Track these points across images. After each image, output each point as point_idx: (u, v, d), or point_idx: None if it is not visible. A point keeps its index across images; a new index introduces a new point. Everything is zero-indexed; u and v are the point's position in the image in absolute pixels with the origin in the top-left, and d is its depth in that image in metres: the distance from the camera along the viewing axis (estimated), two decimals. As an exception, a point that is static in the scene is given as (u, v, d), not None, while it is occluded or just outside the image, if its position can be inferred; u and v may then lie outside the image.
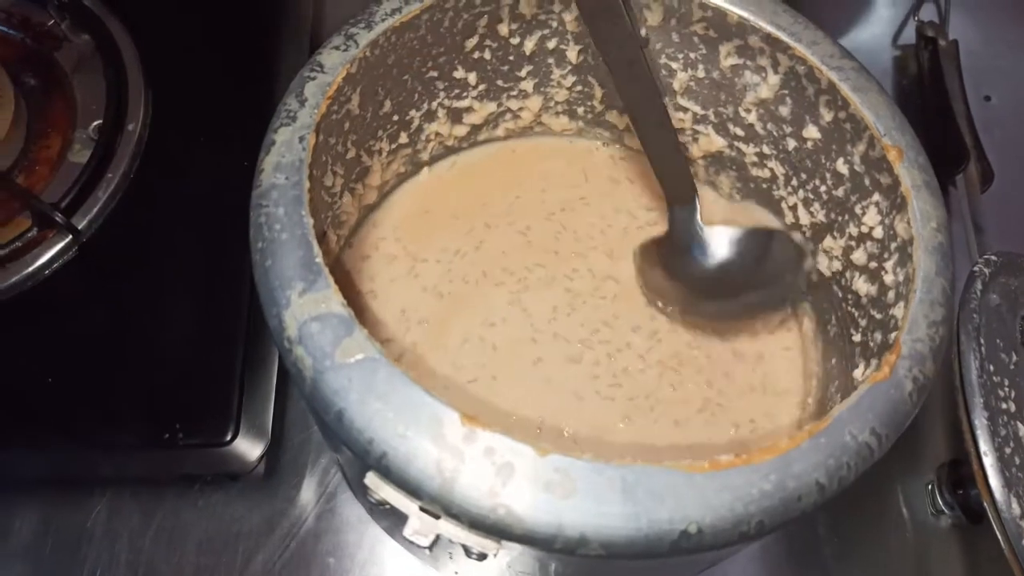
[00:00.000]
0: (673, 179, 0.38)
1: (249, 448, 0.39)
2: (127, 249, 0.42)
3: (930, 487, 0.44)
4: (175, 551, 0.40)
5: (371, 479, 0.26)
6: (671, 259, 0.40)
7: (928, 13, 0.57)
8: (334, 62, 0.32)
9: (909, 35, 0.57)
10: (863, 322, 0.36)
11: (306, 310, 0.26)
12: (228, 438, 0.38)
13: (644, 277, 0.40)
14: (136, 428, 0.38)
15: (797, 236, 0.40)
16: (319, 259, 0.27)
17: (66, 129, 0.44)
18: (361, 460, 0.25)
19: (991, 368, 0.37)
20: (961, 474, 0.43)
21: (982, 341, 0.38)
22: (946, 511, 0.44)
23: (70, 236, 0.40)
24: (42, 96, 0.45)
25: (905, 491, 0.44)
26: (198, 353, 0.40)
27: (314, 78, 0.32)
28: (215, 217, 0.42)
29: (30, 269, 0.40)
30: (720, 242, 0.39)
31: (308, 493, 0.41)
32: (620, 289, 0.41)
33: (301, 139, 0.30)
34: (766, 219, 0.43)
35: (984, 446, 0.36)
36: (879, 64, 0.57)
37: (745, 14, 0.35)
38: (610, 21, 0.32)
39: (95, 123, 0.44)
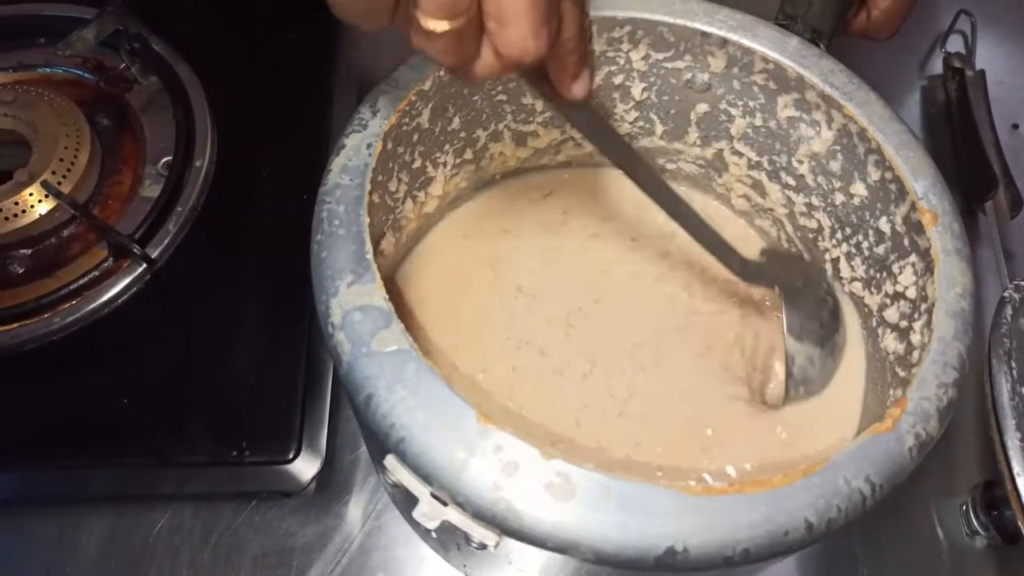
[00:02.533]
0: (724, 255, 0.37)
1: (306, 467, 0.41)
2: (196, 277, 0.45)
3: (964, 508, 0.44)
4: (232, 566, 0.42)
5: (390, 461, 0.28)
6: None
7: (955, 44, 0.59)
8: (408, 79, 0.35)
9: (936, 65, 0.59)
10: (888, 378, 0.37)
11: (351, 300, 0.29)
12: (291, 456, 0.40)
13: None
14: (206, 446, 0.40)
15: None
16: (369, 255, 0.30)
17: (136, 166, 0.47)
18: (382, 442, 0.28)
19: (1023, 391, 0.38)
20: (995, 495, 0.42)
21: (1013, 364, 0.39)
22: (981, 532, 0.43)
23: (144, 265, 0.43)
24: (115, 135, 0.48)
25: (939, 511, 0.43)
26: (262, 375, 0.42)
27: (388, 92, 0.35)
28: (276, 246, 0.45)
29: (106, 297, 0.42)
30: None
31: (357, 511, 0.43)
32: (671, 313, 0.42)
33: (369, 146, 0.33)
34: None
35: (1017, 467, 0.36)
36: (907, 94, 0.58)
37: (802, 71, 0.37)
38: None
39: (164, 160, 0.47)
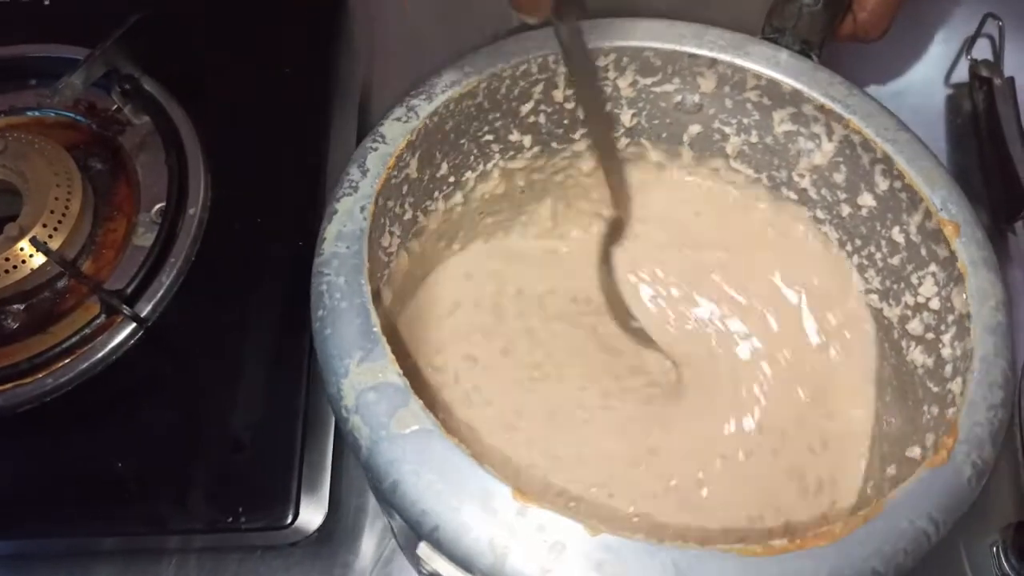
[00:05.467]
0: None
1: (308, 522, 0.40)
2: (189, 333, 0.43)
3: (995, 549, 0.42)
4: (238, 615, 0.40)
5: (423, 550, 0.26)
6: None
7: (982, 50, 0.54)
8: (395, 133, 0.33)
9: (962, 73, 0.55)
10: (920, 394, 0.35)
11: (364, 379, 0.27)
12: (288, 521, 0.38)
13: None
14: (200, 512, 0.39)
15: None
16: (377, 328, 0.28)
17: (130, 212, 0.46)
18: (414, 531, 0.26)
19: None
20: None
21: None
22: (1011, 574, 0.42)
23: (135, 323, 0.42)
24: (108, 180, 0.47)
25: (969, 551, 0.42)
26: (259, 432, 0.41)
27: (376, 149, 0.33)
28: (272, 297, 0.43)
29: (99, 355, 0.41)
30: None
31: (365, 558, 0.41)
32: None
33: (362, 208, 0.31)
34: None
35: None
36: (931, 104, 0.54)
37: (799, 85, 0.36)
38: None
39: (158, 206, 0.45)
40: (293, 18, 0.53)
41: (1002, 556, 0.42)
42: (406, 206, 0.39)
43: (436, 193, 0.41)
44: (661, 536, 0.24)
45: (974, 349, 0.29)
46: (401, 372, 0.27)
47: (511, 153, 0.43)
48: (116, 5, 0.52)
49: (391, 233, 0.38)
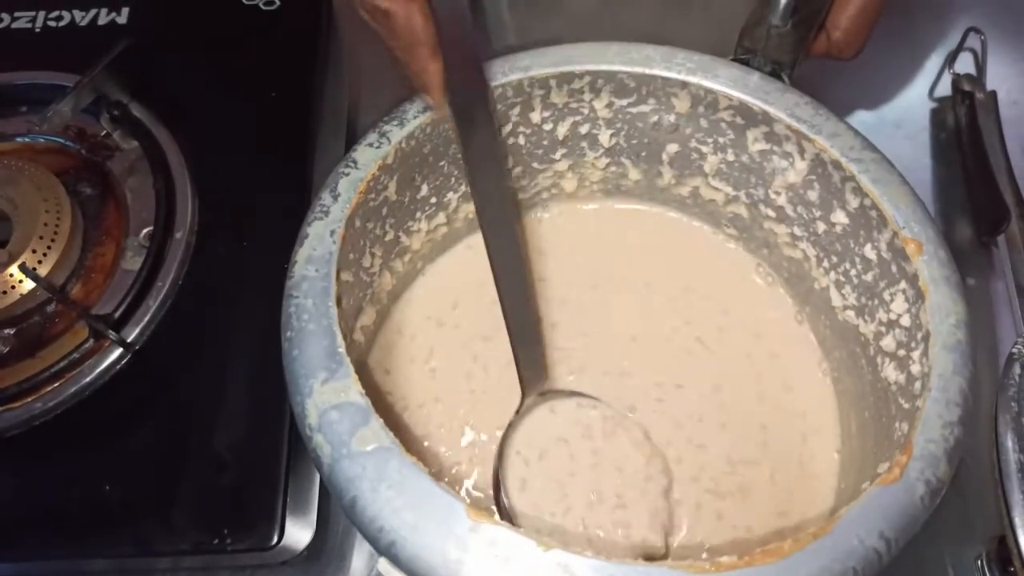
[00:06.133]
0: (529, 363, 0.37)
1: (296, 541, 0.40)
2: (176, 356, 0.44)
3: (980, 562, 0.42)
4: (228, 633, 0.41)
5: (383, 565, 0.27)
6: None
7: (966, 64, 0.55)
8: (367, 158, 0.34)
9: (946, 86, 0.55)
10: (892, 410, 0.35)
11: (327, 399, 0.28)
12: (273, 543, 0.39)
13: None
14: (186, 533, 0.39)
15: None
16: (342, 349, 0.29)
17: (119, 236, 0.46)
18: (373, 546, 0.26)
19: (1031, 460, 0.36)
20: (1010, 552, 0.41)
21: None
22: None
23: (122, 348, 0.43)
24: (98, 204, 0.48)
25: (955, 563, 0.42)
26: (244, 455, 0.41)
27: (348, 174, 0.34)
28: (257, 320, 0.44)
29: (88, 379, 0.42)
30: None
31: (356, 572, 0.41)
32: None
33: (332, 233, 0.32)
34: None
35: None
36: (916, 118, 0.55)
37: (766, 107, 0.36)
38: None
39: (146, 230, 0.46)
40: (279, 43, 0.54)
41: (986, 568, 0.42)
42: (387, 227, 0.40)
43: (418, 214, 0.42)
44: (611, 553, 0.25)
45: (932, 367, 0.29)
46: (363, 392, 0.28)
47: (493, 173, 0.43)
48: (105, 33, 0.54)
49: (372, 254, 0.39)
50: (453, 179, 0.42)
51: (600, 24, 0.59)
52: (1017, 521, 0.33)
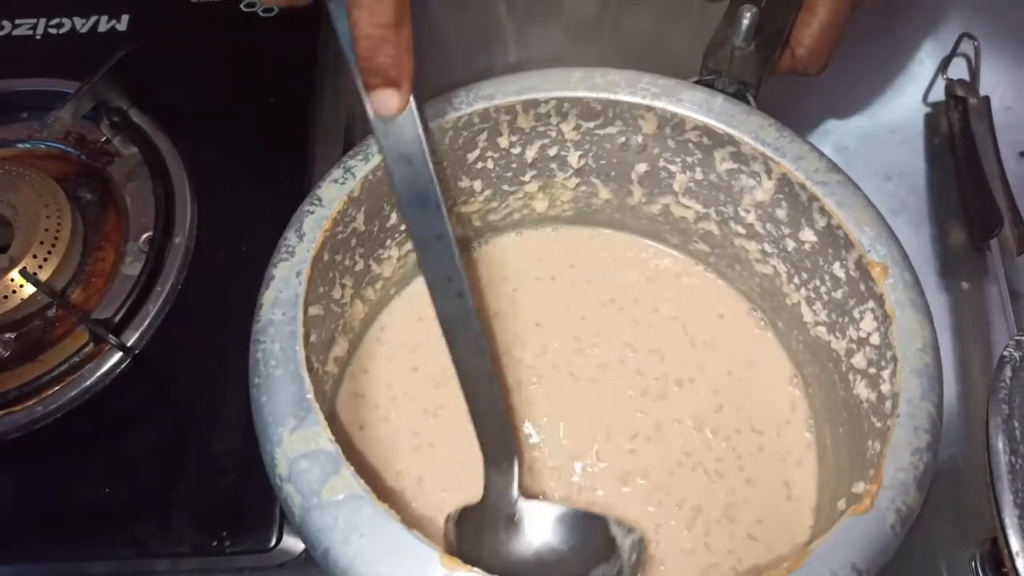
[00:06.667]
0: (493, 438, 0.34)
1: (295, 544, 0.40)
2: (175, 359, 0.44)
3: (973, 563, 0.43)
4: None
5: None
6: (485, 530, 0.34)
7: (959, 69, 0.55)
8: (332, 195, 0.34)
9: (940, 92, 0.55)
10: (865, 427, 0.36)
11: (296, 447, 0.28)
12: (272, 544, 0.39)
13: (461, 544, 0.34)
14: (186, 536, 0.40)
15: (617, 529, 0.34)
16: (310, 395, 0.29)
17: (119, 241, 0.47)
18: (348, 597, 0.26)
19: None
20: (1003, 555, 0.41)
21: (1018, 428, 0.37)
22: None
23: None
24: (98, 210, 0.48)
25: (949, 564, 0.42)
26: (242, 458, 0.42)
27: (312, 212, 0.34)
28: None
29: (88, 383, 0.42)
30: (536, 520, 0.34)
31: None
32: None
33: (298, 274, 0.32)
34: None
35: (1016, 545, 0.34)
36: (910, 123, 0.55)
37: (731, 131, 0.36)
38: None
39: (145, 235, 0.47)
40: (277, 50, 0.55)
41: (980, 570, 0.42)
42: (357, 257, 0.40)
43: (388, 241, 0.42)
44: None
45: (900, 392, 0.29)
46: (333, 439, 0.28)
47: (463, 198, 0.43)
48: (104, 40, 0.55)
49: (343, 286, 0.39)
50: (423, 205, 0.42)
51: (600, 29, 0.59)
52: (1008, 522, 0.33)
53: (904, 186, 0.52)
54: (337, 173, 0.35)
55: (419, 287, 0.45)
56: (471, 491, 0.35)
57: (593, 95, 0.37)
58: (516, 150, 0.42)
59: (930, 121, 0.55)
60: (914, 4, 0.60)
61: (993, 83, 0.54)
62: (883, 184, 0.52)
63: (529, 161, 0.43)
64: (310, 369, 0.30)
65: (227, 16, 0.56)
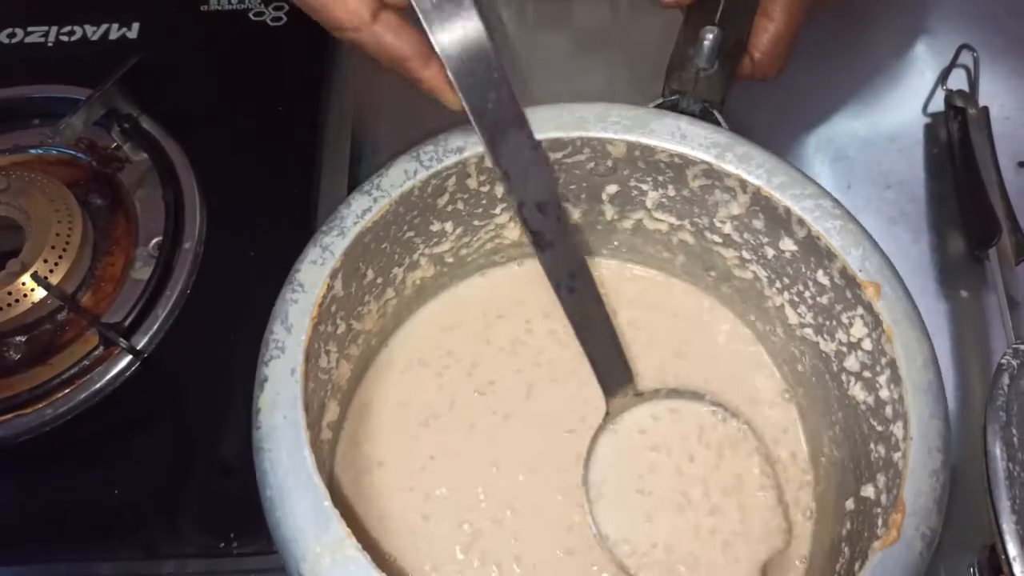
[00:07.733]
0: (609, 363, 0.39)
1: None
2: (183, 363, 0.45)
3: (972, 570, 0.44)
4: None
5: None
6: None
7: (958, 80, 0.55)
8: (313, 278, 0.33)
9: (939, 102, 0.56)
10: (865, 429, 0.36)
11: (324, 561, 0.27)
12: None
13: None
14: (192, 537, 0.40)
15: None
16: (327, 502, 0.28)
17: (128, 247, 0.48)
18: None
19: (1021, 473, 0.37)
20: (1001, 561, 0.43)
21: (1015, 435, 0.37)
22: None
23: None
24: (108, 215, 0.49)
25: (947, 570, 0.42)
26: (249, 462, 0.40)
27: (296, 300, 0.32)
28: (262, 328, 0.43)
29: (97, 385, 0.43)
30: None
31: None
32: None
33: (293, 371, 0.31)
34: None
35: (1013, 551, 0.35)
36: (910, 133, 0.56)
37: (705, 156, 0.36)
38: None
39: (155, 240, 0.47)
40: (286, 58, 0.56)
41: None
42: (338, 321, 0.38)
43: (367, 297, 0.40)
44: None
45: (908, 413, 0.30)
46: (359, 546, 0.27)
47: (435, 240, 0.42)
48: (115, 48, 0.56)
49: (327, 353, 0.38)
50: (397, 255, 0.41)
51: (609, 39, 0.59)
52: (1005, 528, 0.34)
53: (903, 195, 0.52)
54: (315, 253, 0.34)
55: (401, 336, 0.44)
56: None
57: (563, 135, 0.36)
58: (485, 188, 0.41)
59: (930, 131, 0.56)
60: (914, 16, 0.61)
61: (992, 94, 0.55)
62: (882, 193, 0.52)
63: (499, 196, 0.42)
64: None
65: (237, 25, 0.57)
